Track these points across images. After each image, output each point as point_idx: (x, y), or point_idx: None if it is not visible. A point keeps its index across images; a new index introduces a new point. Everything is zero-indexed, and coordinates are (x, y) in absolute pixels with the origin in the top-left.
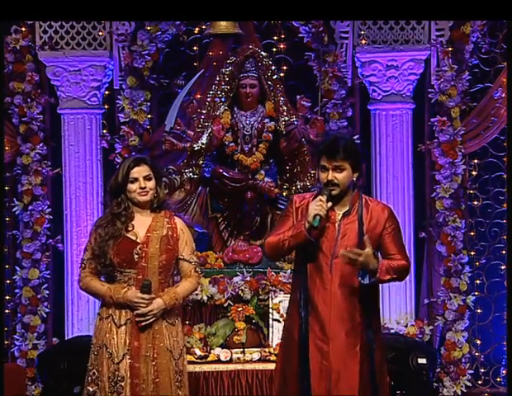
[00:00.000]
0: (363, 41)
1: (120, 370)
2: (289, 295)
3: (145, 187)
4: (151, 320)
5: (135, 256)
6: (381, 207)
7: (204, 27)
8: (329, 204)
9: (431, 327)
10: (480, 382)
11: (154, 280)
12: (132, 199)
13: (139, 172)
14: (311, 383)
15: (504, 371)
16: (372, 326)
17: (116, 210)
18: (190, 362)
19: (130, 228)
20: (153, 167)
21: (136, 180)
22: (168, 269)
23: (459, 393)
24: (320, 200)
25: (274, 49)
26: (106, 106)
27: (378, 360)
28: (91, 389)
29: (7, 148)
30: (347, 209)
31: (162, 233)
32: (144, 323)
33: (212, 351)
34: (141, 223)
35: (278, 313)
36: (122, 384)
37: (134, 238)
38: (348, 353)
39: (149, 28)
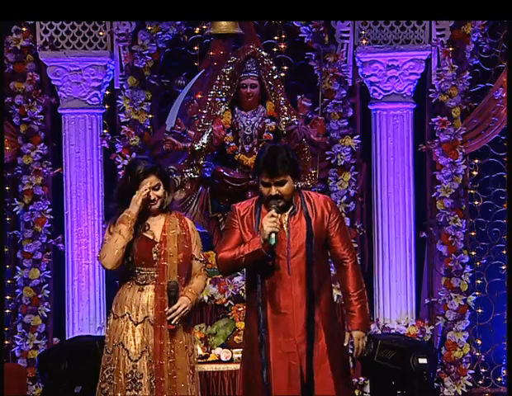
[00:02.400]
0: (364, 41)
1: (138, 367)
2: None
3: (154, 199)
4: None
5: (154, 255)
6: (322, 199)
7: (205, 27)
8: (279, 215)
9: (432, 327)
10: (480, 382)
11: (173, 278)
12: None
13: (148, 184)
14: (273, 385)
15: (504, 371)
16: (328, 315)
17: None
18: None
19: (146, 228)
20: (161, 175)
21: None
22: (184, 267)
23: (460, 393)
24: (272, 216)
25: (275, 49)
26: (106, 106)
27: (332, 347)
28: (104, 388)
29: (7, 148)
30: (291, 208)
31: (177, 232)
32: (177, 321)
33: (213, 350)
34: (155, 224)
35: None
36: (141, 381)
37: (151, 237)
38: (316, 350)
39: (149, 28)
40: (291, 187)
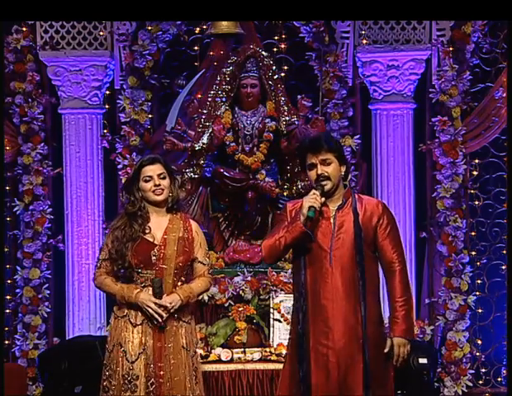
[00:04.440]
0: (364, 41)
1: (134, 368)
2: (290, 295)
3: (160, 185)
4: (167, 314)
5: (153, 258)
6: (375, 201)
7: (205, 27)
8: (323, 199)
9: (432, 327)
10: (481, 382)
11: (169, 281)
12: (147, 198)
13: (153, 170)
14: (313, 380)
15: (504, 371)
16: (371, 317)
17: (131, 210)
18: None
19: (147, 231)
20: (167, 166)
21: (151, 178)
22: (183, 270)
23: (460, 392)
24: (314, 194)
25: (275, 49)
26: (107, 106)
27: (373, 353)
28: (105, 386)
29: (7, 147)
30: (340, 203)
31: (178, 234)
32: (163, 320)
33: (213, 350)
34: (158, 225)
35: (279, 312)
36: (137, 382)
37: (151, 239)
38: (353, 347)
39: (149, 28)
40: (338, 171)
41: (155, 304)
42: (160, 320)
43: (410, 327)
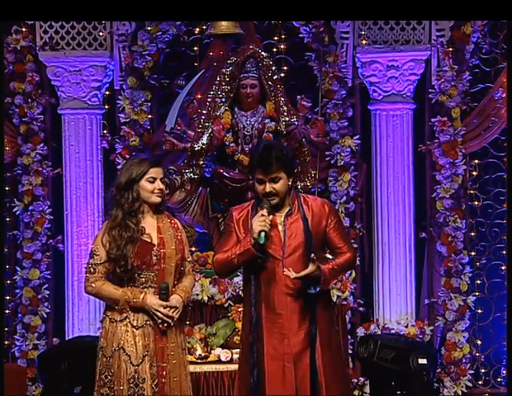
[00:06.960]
0: (364, 41)
1: (140, 371)
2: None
3: (162, 189)
4: (176, 318)
5: (154, 258)
6: (320, 202)
7: (204, 27)
8: (271, 216)
9: (432, 328)
10: (480, 382)
11: (169, 281)
12: (146, 198)
13: (158, 173)
14: (269, 386)
15: (504, 371)
16: (323, 319)
17: (129, 208)
18: (191, 362)
19: (142, 231)
20: (164, 171)
21: (154, 180)
22: (179, 268)
23: (460, 393)
24: (262, 216)
25: (275, 50)
26: (106, 107)
27: (328, 354)
28: (103, 393)
29: (7, 148)
30: (288, 209)
31: (172, 233)
32: (171, 323)
33: (213, 351)
34: (149, 225)
35: None
36: (144, 385)
37: (149, 240)
38: (305, 350)
39: (149, 28)
40: (286, 184)
41: (164, 307)
42: (170, 322)
43: (332, 276)
